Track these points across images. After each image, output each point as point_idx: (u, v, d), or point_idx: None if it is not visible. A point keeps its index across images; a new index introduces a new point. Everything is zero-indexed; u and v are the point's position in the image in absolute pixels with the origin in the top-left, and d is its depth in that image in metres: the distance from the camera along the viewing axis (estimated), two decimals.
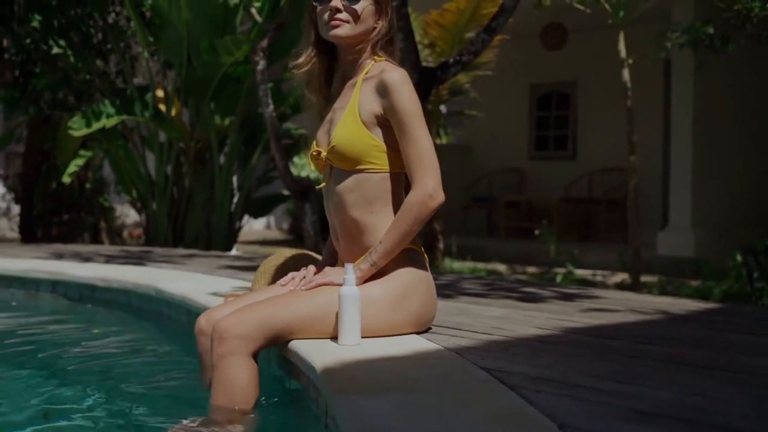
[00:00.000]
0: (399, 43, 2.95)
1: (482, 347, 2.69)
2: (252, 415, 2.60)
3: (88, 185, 10.23)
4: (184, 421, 2.60)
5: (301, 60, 2.94)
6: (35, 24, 7.86)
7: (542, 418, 1.86)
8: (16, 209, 14.46)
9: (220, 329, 2.62)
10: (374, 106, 2.75)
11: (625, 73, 8.16)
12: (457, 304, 3.68)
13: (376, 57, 2.86)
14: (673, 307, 3.86)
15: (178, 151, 8.47)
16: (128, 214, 13.85)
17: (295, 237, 14.58)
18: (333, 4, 2.81)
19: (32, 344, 4.13)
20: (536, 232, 9.46)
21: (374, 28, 2.85)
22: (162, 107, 8.47)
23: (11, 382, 3.39)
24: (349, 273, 2.65)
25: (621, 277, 8.73)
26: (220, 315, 2.76)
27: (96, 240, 10.49)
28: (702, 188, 9.86)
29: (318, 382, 2.39)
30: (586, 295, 4.24)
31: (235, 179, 8.96)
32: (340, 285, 2.68)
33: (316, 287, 2.77)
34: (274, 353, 2.97)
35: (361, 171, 2.77)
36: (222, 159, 8.39)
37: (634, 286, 7.90)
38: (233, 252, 8.03)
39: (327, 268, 2.86)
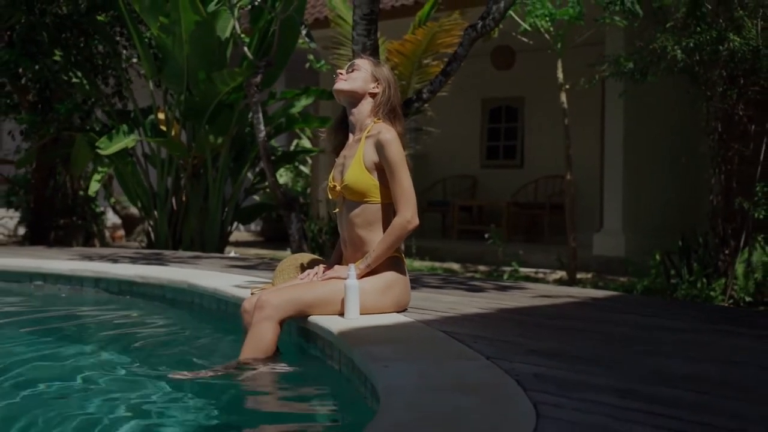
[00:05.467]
0: None
1: (441, 320, 4.02)
2: (273, 363, 3.81)
3: (81, 193, 11.30)
4: (218, 367, 3.83)
5: (331, 137, 4.29)
6: (57, 58, 9.04)
7: (477, 354, 3.18)
8: (1, 212, 15.41)
9: (262, 300, 3.88)
10: (374, 157, 4.01)
11: (563, 96, 9.19)
12: (423, 293, 5.00)
13: (375, 119, 4.13)
14: (584, 296, 5.21)
15: (177, 166, 9.60)
16: (108, 218, 14.84)
17: (265, 238, 15.41)
18: (339, 70, 4.15)
19: (83, 323, 5.37)
20: (486, 234, 10.21)
21: (374, 94, 4.12)
22: (162, 128, 9.67)
23: (67, 349, 4.52)
24: (351, 270, 3.92)
25: (560, 274, 9.72)
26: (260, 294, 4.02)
27: (88, 242, 11.52)
28: (632, 196, 10.77)
29: (335, 341, 3.66)
30: (519, 287, 5.57)
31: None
32: (345, 279, 3.95)
33: (328, 279, 4.05)
34: (294, 328, 4.23)
35: (365, 202, 4.05)
36: (215, 173, 9.56)
37: (571, 283, 8.89)
38: (232, 254, 9.20)
39: (336, 266, 4.14)
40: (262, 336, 3.84)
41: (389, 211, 4.07)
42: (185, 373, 3.73)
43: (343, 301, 3.95)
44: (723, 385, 2.85)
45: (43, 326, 5.21)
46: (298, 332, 4.21)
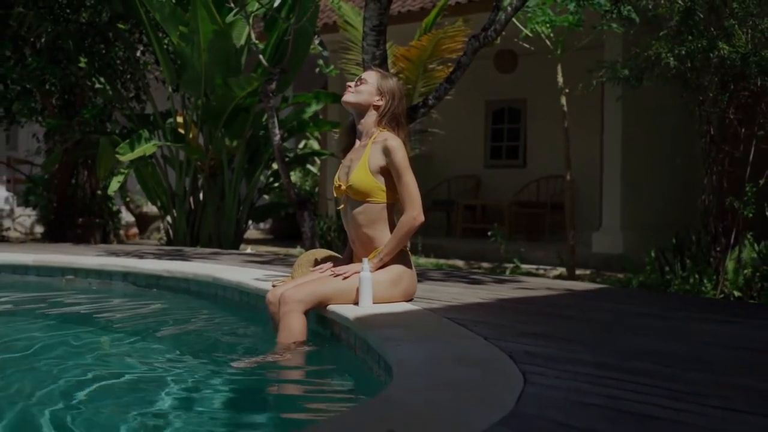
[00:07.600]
0: None
1: (445, 308, 4.48)
2: (304, 348, 4.27)
3: (99, 192, 11.76)
4: (255, 358, 4.26)
5: (343, 139, 4.75)
6: (82, 64, 9.52)
7: (476, 336, 3.64)
8: (18, 211, 15.86)
9: (285, 296, 4.34)
10: (379, 161, 4.47)
11: (562, 99, 9.56)
12: (429, 285, 5.47)
13: (380, 128, 4.58)
14: (577, 288, 5.66)
15: (194, 168, 10.08)
16: (122, 216, 15.24)
17: (275, 236, 15.88)
18: (348, 83, 4.64)
19: (114, 313, 5.79)
20: (489, 233, 10.61)
21: (378, 106, 4.57)
22: (181, 131, 10.13)
23: (101, 336, 5.00)
24: (365, 264, 4.38)
25: (560, 271, 10.10)
26: (284, 289, 4.47)
27: (105, 240, 11.94)
28: (630, 196, 11.16)
29: (351, 326, 4.11)
30: (518, 281, 6.02)
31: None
32: (358, 272, 4.40)
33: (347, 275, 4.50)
34: (312, 316, 4.66)
35: (369, 202, 4.51)
36: (230, 174, 10.03)
37: (570, 279, 9.18)
38: (248, 250, 9.66)
39: (351, 264, 4.58)
40: (291, 326, 4.29)
41: (391, 211, 4.55)
42: (245, 359, 4.14)
43: (357, 292, 4.40)
44: (689, 360, 3.30)
45: (82, 316, 5.68)
46: (316, 320, 4.66)
